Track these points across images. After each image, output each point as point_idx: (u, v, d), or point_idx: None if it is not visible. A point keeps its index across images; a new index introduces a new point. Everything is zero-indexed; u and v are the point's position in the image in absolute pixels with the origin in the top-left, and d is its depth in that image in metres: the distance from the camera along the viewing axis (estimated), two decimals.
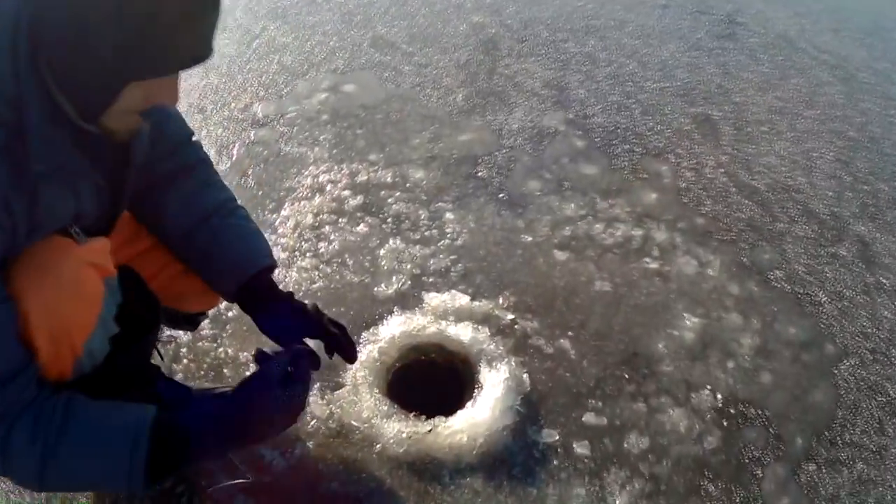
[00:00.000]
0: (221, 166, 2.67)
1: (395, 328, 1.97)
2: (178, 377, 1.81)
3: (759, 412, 1.95)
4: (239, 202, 1.49)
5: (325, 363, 1.42)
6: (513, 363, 1.93)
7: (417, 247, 2.34)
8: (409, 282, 2.19)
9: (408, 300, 2.12)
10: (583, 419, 1.84)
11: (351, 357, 1.47)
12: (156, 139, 1.23)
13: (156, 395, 1.46)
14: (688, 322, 2.20)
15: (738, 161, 3.05)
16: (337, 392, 1.79)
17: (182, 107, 3.05)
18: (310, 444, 1.68)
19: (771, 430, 1.90)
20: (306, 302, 1.45)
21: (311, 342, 1.42)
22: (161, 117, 1.23)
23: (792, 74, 3.91)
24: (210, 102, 3.11)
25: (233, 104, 3.11)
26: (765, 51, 4.12)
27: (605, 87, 3.48)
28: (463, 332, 1.98)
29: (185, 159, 1.37)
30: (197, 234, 1.34)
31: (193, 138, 1.42)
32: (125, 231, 1.33)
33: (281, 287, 1.47)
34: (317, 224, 2.41)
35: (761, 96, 3.62)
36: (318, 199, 2.52)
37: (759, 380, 2.05)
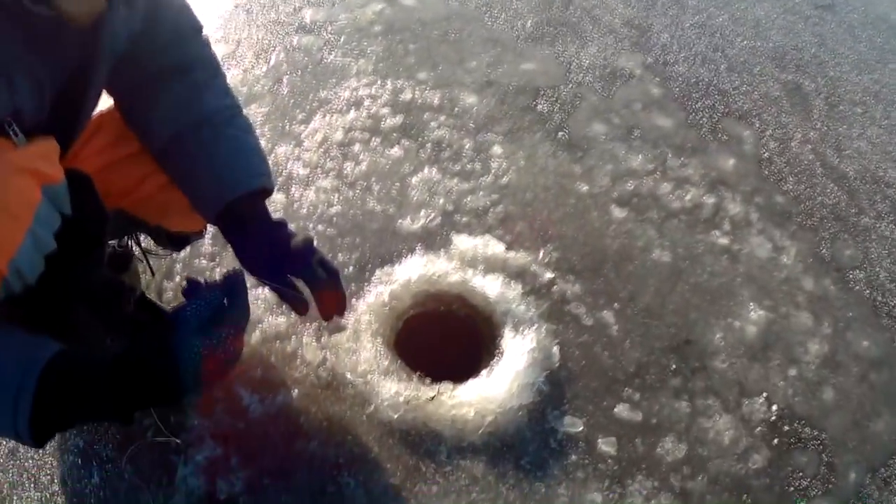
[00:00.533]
0: (256, 71, 2.48)
1: (412, 270, 1.70)
2: (167, 296, 1.65)
3: (815, 433, 1.69)
4: (243, 111, 1.26)
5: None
6: (543, 331, 1.65)
7: (455, 179, 2.09)
8: (439, 218, 1.93)
9: (433, 239, 1.89)
10: (614, 411, 1.60)
11: (326, 313, 1.23)
12: (148, 30, 1.08)
13: (126, 319, 1.28)
14: (752, 314, 1.89)
15: (828, 140, 2.69)
16: (334, 336, 1.55)
17: (227, 4, 2.81)
18: (294, 391, 1.47)
19: (824, 456, 1.66)
20: (298, 234, 1.20)
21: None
22: (155, 3, 1.09)
23: (890, 59, 3.51)
24: (257, 4, 2.88)
25: (281, 6, 2.87)
26: (863, 29, 3.68)
27: (691, 36, 3.11)
28: (491, 286, 1.70)
29: (181, 57, 1.18)
30: (182, 145, 1.15)
31: (202, 33, 1.23)
32: (110, 132, 1.19)
33: (287, 215, 1.26)
34: (346, 141, 2.19)
35: (857, 75, 3.21)
36: (352, 114, 2.31)
37: (820, 395, 1.78)
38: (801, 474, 1.59)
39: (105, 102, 1.18)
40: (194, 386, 0.94)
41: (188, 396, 0.96)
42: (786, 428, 1.67)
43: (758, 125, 2.60)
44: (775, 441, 1.64)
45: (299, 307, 1.17)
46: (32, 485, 1.39)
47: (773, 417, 1.68)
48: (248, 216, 1.15)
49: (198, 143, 1.15)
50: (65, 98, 0.97)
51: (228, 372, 1.01)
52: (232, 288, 1.01)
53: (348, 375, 1.50)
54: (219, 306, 0.98)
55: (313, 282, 1.19)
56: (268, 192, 1.21)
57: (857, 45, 3.50)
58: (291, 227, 1.23)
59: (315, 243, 1.21)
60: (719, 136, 2.50)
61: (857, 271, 2.15)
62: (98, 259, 1.10)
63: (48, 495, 1.38)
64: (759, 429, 1.65)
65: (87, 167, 1.07)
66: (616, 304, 1.81)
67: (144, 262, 1.61)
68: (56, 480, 1.39)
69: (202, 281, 1.04)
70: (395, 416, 1.45)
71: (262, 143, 2.18)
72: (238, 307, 1.01)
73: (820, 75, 3.07)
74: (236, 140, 1.18)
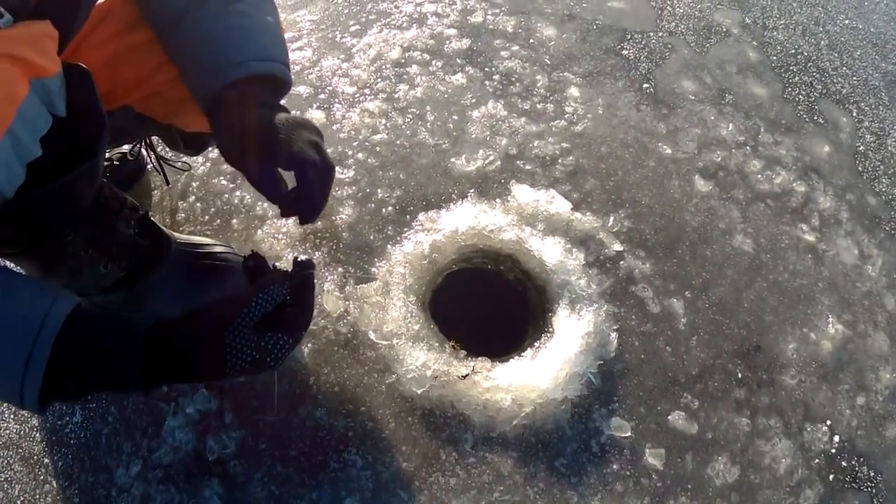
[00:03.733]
0: None
1: (461, 219, 1.44)
2: (179, 218, 1.49)
3: (871, 475, 1.51)
4: None
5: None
6: (602, 313, 1.42)
7: (523, 119, 1.84)
8: (500, 162, 1.67)
9: (490, 186, 1.65)
10: (668, 418, 1.40)
11: (304, 219, 0.94)
12: None
13: (125, 242, 1.10)
14: (831, 328, 1.68)
15: None
16: (361, 287, 1.31)
17: None
18: (306, 346, 1.25)
19: (875, 502, 1.49)
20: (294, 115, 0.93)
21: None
22: None
23: None
24: None
25: None
26: None
27: (793, 4, 2.80)
28: (550, 250, 1.45)
29: None
30: (185, 23, 0.93)
31: None
32: (118, 19, 1.01)
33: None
34: (403, 61, 1.97)
35: None
36: (413, 32, 2.08)
37: (883, 431, 1.60)
38: None
39: None
40: (233, 378, 0.84)
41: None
42: (843, 464, 1.50)
43: (855, 113, 2.32)
44: (831, 477, 1.47)
45: (284, 209, 0.92)
46: (12, 416, 1.29)
47: (833, 450, 1.50)
48: (235, 103, 0.89)
49: (200, 21, 0.92)
50: None
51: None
52: (301, 285, 0.87)
53: (371, 335, 1.27)
54: (282, 304, 0.84)
55: (298, 176, 0.90)
56: (278, 82, 0.95)
57: None
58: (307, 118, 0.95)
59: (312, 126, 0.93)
60: (815, 117, 2.22)
61: None
62: (91, 174, 0.88)
63: (27, 429, 1.27)
64: (816, 461, 1.47)
65: (92, 58, 0.93)
66: (687, 293, 1.56)
67: (159, 170, 1.36)
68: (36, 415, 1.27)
69: (271, 265, 0.90)
70: (419, 392, 1.24)
71: (307, 53, 1.93)
72: (303, 311, 0.87)
73: None
74: (243, 16, 0.93)
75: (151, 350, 0.77)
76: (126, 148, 1.42)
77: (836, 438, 1.50)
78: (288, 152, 0.87)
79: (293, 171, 0.87)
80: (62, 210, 0.89)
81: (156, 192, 1.54)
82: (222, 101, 0.89)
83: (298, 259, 0.88)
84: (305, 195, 0.89)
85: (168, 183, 1.47)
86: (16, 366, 0.73)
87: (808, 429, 1.50)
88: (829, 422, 1.52)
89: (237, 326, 0.79)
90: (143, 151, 1.42)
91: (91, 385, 0.79)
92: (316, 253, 1.44)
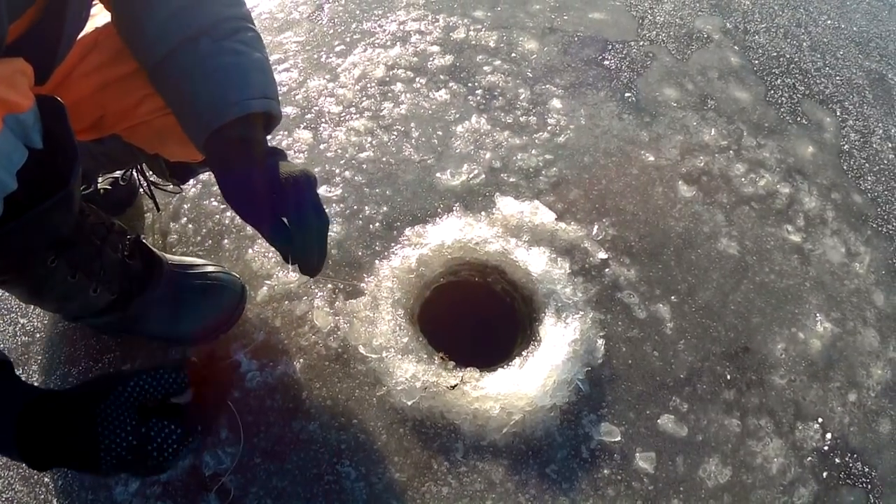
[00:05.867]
0: None
1: (447, 233, 1.47)
2: (171, 240, 1.50)
3: (865, 470, 1.52)
4: (254, 25, 1.02)
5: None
6: (589, 320, 1.44)
7: (506, 133, 1.86)
8: (484, 175, 1.69)
9: (475, 199, 1.66)
10: (658, 421, 1.41)
11: (305, 271, 0.96)
12: None
13: (115, 265, 1.12)
14: (819, 326, 1.68)
15: None
16: (350, 301, 1.34)
17: None
18: (298, 362, 1.27)
19: (871, 497, 1.49)
20: (294, 165, 0.94)
21: None
22: None
23: None
24: None
25: None
26: None
27: (774, 7, 2.83)
28: (535, 261, 1.47)
29: None
30: (175, 61, 0.93)
31: None
32: (106, 50, 1.03)
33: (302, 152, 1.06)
34: (387, 79, 1.99)
35: None
36: (397, 50, 2.10)
37: (876, 427, 1.60)
38: None
39: (102, 18, 1.02)
40: (109, 473, 0.77)
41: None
42: (837, 461, 1.50)
43: (839, 113, 2.34)
44: (825, 475, 1.46)
45: (287, 253, 0.93)
46: None
47: (826, 447, 1.50)
48: (236, 143, 0.90)
49: (192, 59, 0.92)
50: (45, 9, 0.78)
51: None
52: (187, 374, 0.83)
53: (361, 349, 1.30)
54: (178, 393, 0.79)
55: (299, 227, 0.92)
56: (270, 118, 0.97)
57: None
58: (298, 162, 0.98)
59: (313, 181, 0.94)
60: (799, 119, 2.23)
61: None
62: (66, 203, 0.89)
63: None
64: (809, 458, 1.47)
65: (81, 87, 0.97)
66: (673, 297, 1.58)
67: (150, 196, 1.39)
68: None
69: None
70: (409, 403, 1.26)
71: (294, 74, 1.97)
72: (200, 410, 0.83)
73: None
74: (237, 55, 0.94)
75: (27, 429, 0.75)
76: (118, 174, 1.46)
77: (829, 436, 1.51)
78: (300, 202, 0.89)
79: (295, 221, 0.90)
80: (40, 239, 0.91)
81: (148, 214, 1.57)
82: (223, 142, 0.91)
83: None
84: (309, 251, 0.91)
85: (158, 209, 1.49)
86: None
87: (800, 427, 1.50)
88: (820, 419, 1.52)
89: (112, 401, 0.76)
90: (136, 176, 1.46)
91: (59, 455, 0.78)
92: None
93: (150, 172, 1.41)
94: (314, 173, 0.92)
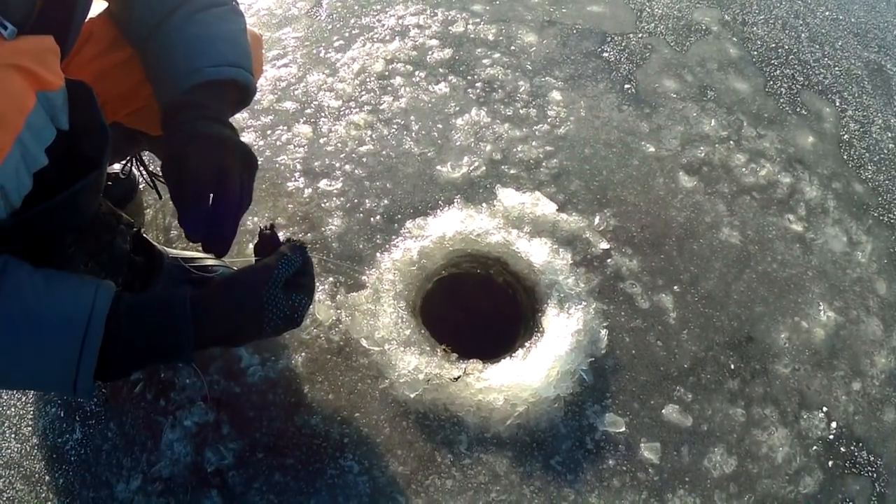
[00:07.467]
0: None
1: (448, 225, 1.46)
2: (172, 235, 1.48)
3: (870, 459, 1.52)
4: (234, 2, 1.04)
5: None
6: (591, 311, 1.43)
7: (506, 125, 1.86)
8: (485, 167, 1.69)
9: (476, 191, 1.67)
10: (662, 411, 1.41)
11: (214, 247, 0.94)
12: None
13: (121, 258, 1.11)
14: (822, 315, 1.68)
15: None
16: (351, 295, 1.33)
17: None
18: (300, 356, 1.27)
19: (877, 486, 1.49)
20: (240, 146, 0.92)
21: None
22: None
23: None
24: None
25: None
26: None
27: None
28: (537, 252, 1.46)
29: None
30: (155, 37, 0.97)
31: None
32: (102, 39, 1.05)
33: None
34: (387, 73, 1.99)
35: None
36: (396, 44, 2.10)
37: (881, 416, 1.60)
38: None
39: (95, 9, 1.02)
40: (268, 335, 0.93)
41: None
42: (842, 450, 1.50)
43: (838, 103, 2.34)
44: (830, 463, 1.46)
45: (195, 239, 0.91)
46: (13, 436, 1.29)
47: (831, 436, 1.50)
48: (190, 109, 0.89)
49: (167, 33, 0.95)
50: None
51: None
52: (306, 257, 0.98)
53: (363, 342, 1.29)
54: (298, 271, 0.96)
55: (220, 201, 0.90)
56: (240, 87, 0.96)
57: None
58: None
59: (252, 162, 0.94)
60: (799, 109, 2.23)
61: None
62: (95, 185, 0.90)
63: (28, 448, 1.28)
64: (814, 447, 1.47)
65: (80, 76, 0.92)
66: (676, 287, 1.57)
67: (152, 185, 1.38)
68: (37, 433, 1.29)
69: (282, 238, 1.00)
70: (412, 396, 1.26)
71: (293, 70, 1.95)
72: (311, 278, 0.99)
73: None
74: (204, 25, 0.95)
75: (196, 315, 0.85)
76: (117, 167, 1.45)
77: (834, 425, 1.51)
78: (208, 175, 0.87)
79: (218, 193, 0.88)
80: (67, 222, 0.92)
81: (148, 210, 1.56)
82: (174, 109, 0.90)
83: (294, 243, 0.98)
84: (216, 226, 0.89)
85: (161, 197, 1.48)
86: (68, 356, 0.78)
87: (805, 416, 1.50)
88: (825, 408, 1.52)
89: (271, 286, 0.89)
90: (135, 170, 1.45)
91: (143, 357, 0.85)
92: None
93: (151, 163, 1.40)
94: (253, 154, 0.94)
